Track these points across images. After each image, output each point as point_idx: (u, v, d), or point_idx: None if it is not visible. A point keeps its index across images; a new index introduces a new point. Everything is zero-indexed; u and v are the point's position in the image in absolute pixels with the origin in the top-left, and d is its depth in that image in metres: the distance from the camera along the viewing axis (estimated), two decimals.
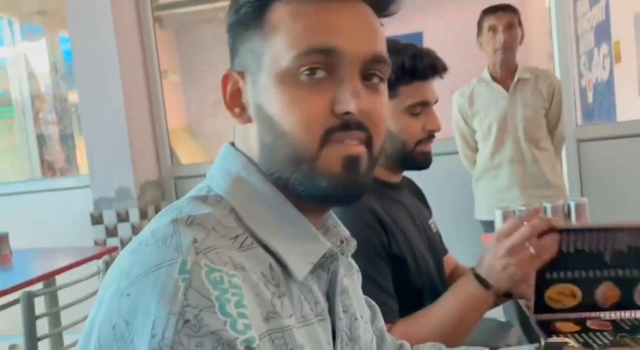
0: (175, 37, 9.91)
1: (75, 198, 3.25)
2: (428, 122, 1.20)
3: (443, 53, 1.33)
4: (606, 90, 5.17)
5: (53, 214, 3.30)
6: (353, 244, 0.71)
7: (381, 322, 0.88)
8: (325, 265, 0.66)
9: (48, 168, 4.78)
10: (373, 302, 0.87)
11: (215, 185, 0.65)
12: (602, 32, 5.13)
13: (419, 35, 6.45)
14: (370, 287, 1.02)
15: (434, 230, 1.33)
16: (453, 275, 1.41)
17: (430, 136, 1.21)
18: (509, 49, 2.41)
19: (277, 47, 0.60)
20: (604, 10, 5.03)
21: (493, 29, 2.39)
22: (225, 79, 0.65)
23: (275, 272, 0.60)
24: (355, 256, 0.97)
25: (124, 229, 3.05)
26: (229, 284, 0.52)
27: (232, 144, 0.68)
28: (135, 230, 3.03)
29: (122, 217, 3.05)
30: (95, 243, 3.08)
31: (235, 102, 0.65)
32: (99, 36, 3.00)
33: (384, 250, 1.11)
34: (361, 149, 0.62)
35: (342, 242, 0.71)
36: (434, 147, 1.24)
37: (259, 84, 0.62)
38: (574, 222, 1.93)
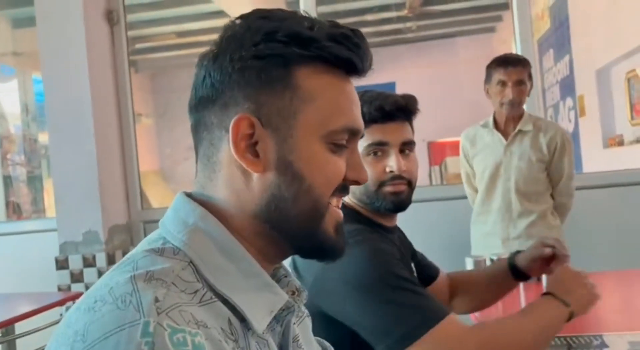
0: (150, 81, 9.97)
1: (41, 242, 3.16)
2: (387, 164, 1.22)
3: None
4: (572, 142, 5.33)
5: (17, 258, 3.20)
6: (305, 294, 0.72)
7: None
8: (280, 318, 0.66)
9: (13, 211, 4.66)
10: (327, 343, 0.88)
11: (170, 237, 0.63)
12: (567, 86, 5.33)
13: (391, 85, 6.62)
14: (410, 299, 1.06)
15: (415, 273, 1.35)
16: (453, 285, 1.48)
17: (395, 177, 1.21)
18: (516, 104, 2.38)
19: (315, 116, 0.64)
20: (568, 65, 5.24)
21: (502, 83, 2.37)
22: (241, 122, 0.62)
23: (234, 326, 0.60)
24: (378, 288, 1.06)
25: (90, 274, 2.96)
26: (192, 345, 0.51)
27: (187, 194, 0.67)
28: (102, 275, 2.94)
29: (89, 262, 2.97)
30: (59, 289, 2.98)
31: (246, 148, 0.63)
32: (72, 78, 2.99)
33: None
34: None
35: (293, 292, 0.71)
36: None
37: (291, 142, 0.63)
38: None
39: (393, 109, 1.22)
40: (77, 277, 2.97)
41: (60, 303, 2.38)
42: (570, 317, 1.10)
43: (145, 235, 3.28)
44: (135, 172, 3.25)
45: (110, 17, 3.18)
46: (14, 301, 2.54)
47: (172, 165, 9.42)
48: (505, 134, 2.47)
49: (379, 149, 1.22)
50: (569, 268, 1.18)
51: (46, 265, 3.01)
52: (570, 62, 5.22)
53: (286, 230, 0.64)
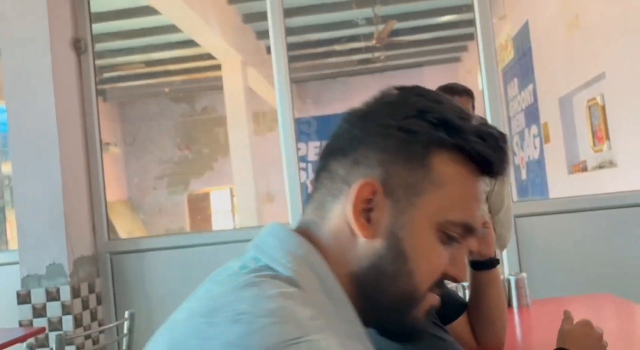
0: (119, 110, 9.87)
1: (2, 275, 3.06)
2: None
3: None
4: (538, 168, 5.45)
5: None
6: None
7: None
8: None
9: None
10: None
11: (276, 264, 0.61)
12: (531, 114, 5.48)
13: None
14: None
15: None
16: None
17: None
18: None
19: (439, 201, 0.63)
20: (532, 94, 5.39)
21: None
22: (366, 186, 0.63)
23: None
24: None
25: (53, 309, 2.87)
26: None
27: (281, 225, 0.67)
28: (66, 310, 2.85)
29: (52, 296, 2.88)
30: (20, 324, 2.87)
31: (362, 211, 0.63)
32: (38, 107, 2.94)
33: None
34: None
35: None
36: None
37: (406, 218, 0.63)
38: (514, 296, 1.96)
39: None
40: (39, 312, 2.87)
41: (21, 339, 2.29)
42: None
43: (112, 267, 3.18)
44: (102, 202, 3.19)
45: (78, 46, 3.16)
46: None
47: (141, 195, 9.29)
48: None
49: None
50: (588, 324, 1.13)
51: (7, 300, 2.90)
52: (534, 90, 5.37)
53: (377, 304, 0.64)
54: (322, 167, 0.67)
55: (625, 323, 1.74)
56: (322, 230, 0.65)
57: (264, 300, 0.54)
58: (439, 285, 0.66)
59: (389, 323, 0.65)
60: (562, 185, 5.00)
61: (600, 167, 4.47)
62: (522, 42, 5.55)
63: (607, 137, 4.33)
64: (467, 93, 2.43)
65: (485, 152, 0.64)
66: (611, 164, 4.33)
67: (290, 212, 3.08)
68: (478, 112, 2.53)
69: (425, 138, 0.63)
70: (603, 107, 4.27)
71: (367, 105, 0.67)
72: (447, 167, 0.64)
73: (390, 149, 0.63)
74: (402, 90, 0.67)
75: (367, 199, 0.63)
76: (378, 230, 0.63)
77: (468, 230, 0.65)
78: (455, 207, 0.64)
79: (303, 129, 6.76)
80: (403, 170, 0.63)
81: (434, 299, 0.66)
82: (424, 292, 0.64)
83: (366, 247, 0.63)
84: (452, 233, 0.64)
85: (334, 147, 0.67)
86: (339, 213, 0.64)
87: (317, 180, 0.68)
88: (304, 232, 0.66)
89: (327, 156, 0.67)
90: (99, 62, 3.41)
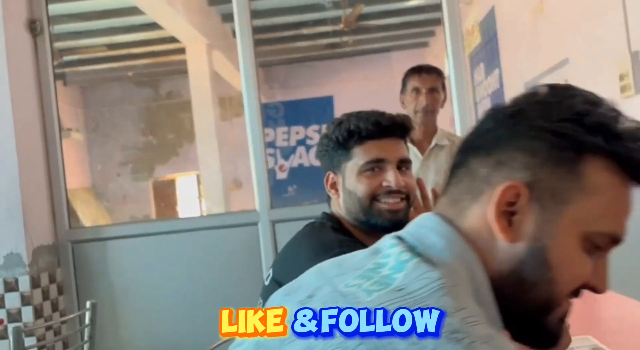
0: (81, 95, 9.61)
1: None
2: (384, 179, 1.22)
3: None
4: None
5: None
6: None
7: None
8: None
9: None
10: None
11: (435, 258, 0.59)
12: (498, 99, 5.53)
13: (329, 98, 6.65)
14: None
15: None
16: None
17: (390, 192, 1.21)
18: (429, 112, 2.38)
19: (588, 210, 0.61)
20: (498, 79, 5.44)
21: (416, 90, 2.37)
22: (511, 189, 0.60)
23: None
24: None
25: (11, 299, 2.78)
26: None
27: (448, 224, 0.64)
28: (25, 300, 2.77)
29: (11, 286, 2.79)
30: None
31: (502, 214, 0.61)
32: None
33: None
34: None
35: None
36: None
37: (551, 225, 0.61)
38: None
39: (390, 125, 1.23)
40: None
41: None
42: None
43: (74, 256, 3.09)
44: (62, 190, 3.09)
45: (33, 27, 3.03)
46: None
47: (104, 182, 9.10)
48: (421, 149, 2.45)
49: (376, 165, 1.22)
50: None
51: None
52: (500, 75, 5.42)
53: (509, 308, 0.62)
54: (461, 162, 0.65)
55: (585, 303, 1.77)
56: (460, 228, 0.63)
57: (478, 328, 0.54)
58: (576, 294, 0.64)
59: (520, 328, 0.64)
60: None
61: None
62: (488, 28, 5.58)
63: None
64: (436, 71, 2.43)
65: None
66: None
67: (257, 198, 3.03)
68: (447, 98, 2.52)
69: (579, 143, 0.60)
70: None
71: (515, 103, 0.65)
72: (599, 175, 0.61)
73: (540, 152, 0.60)
74: (556, 89, 0.64)
75: (510, 202, 0.61)
76: (520, 235, 0.61)
77: (615, 241, 0.63)
78: (604, 217, 0.62)
79: (271, 114, 6.69)
80: (551, 175, 0.60)
81: (568, 306, 0.65)
82: (560, 300, 0.63)
83: (506, 251, 0.61)
84: (598, 243, 0.62)
85: (476, 144, 0.65)
86: (478, 213, 0.62)
87: (453, 175, 0.66)
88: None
89: (467, 152, 0.65)
90: (58, 44, 3.29)
